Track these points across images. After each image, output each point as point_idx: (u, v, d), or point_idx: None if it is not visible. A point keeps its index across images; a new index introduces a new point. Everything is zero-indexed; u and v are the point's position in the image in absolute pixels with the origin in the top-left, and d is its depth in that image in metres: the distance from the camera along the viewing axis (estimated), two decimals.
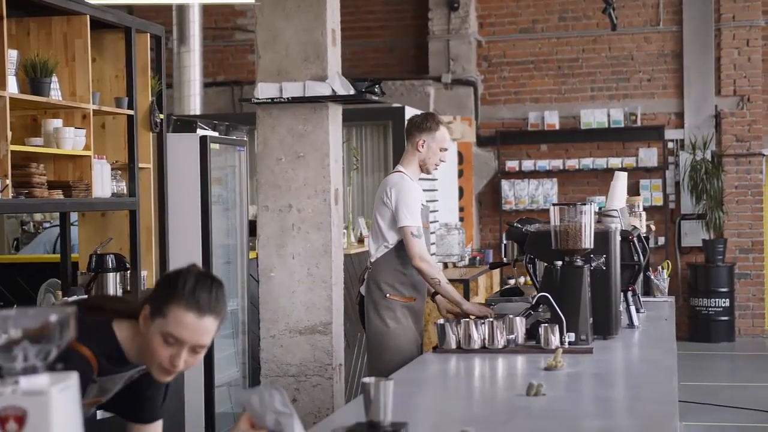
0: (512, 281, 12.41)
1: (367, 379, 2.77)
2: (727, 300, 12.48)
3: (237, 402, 6.72)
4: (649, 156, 12.86)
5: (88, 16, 5.32)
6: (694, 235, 12.79)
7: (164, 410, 3.00)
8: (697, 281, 12.57)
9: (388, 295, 5.27)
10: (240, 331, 7.04)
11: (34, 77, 4.94)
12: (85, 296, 5.10)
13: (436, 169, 5.51)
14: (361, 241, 8.40)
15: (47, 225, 9.16)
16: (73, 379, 1.82)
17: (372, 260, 5.39)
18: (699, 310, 12.50)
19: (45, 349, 1.79)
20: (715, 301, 12.46)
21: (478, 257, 11.41)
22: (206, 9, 12.74)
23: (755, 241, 12.84)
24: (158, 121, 6.03)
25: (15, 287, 6.46)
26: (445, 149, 5.41)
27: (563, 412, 3.17)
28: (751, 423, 8.30)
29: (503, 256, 5.28)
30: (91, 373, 2.65)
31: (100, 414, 4.56)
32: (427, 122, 5.39)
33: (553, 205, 4.55)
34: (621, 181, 5.66)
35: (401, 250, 5.25)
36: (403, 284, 5.30)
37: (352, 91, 6.05)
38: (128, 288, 5.72)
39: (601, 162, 12.87)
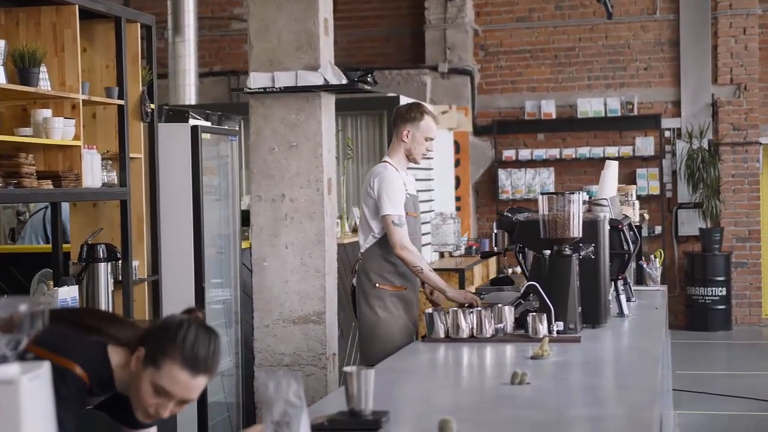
0: (509, 270, 12.43)
1: (348, 369, 2.79)
2: (724, 289, 12.49)
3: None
4: (645, 145, 12.85)
5: (77, 6, 5.30)
6: (690, 224, 12.79)
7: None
8: (693, 270, 12.57)
9: (377, 284, 5.29)
10: (233, 320, 7.05)
11: (22, 67, 4.93)
12: (79, 308, 5.02)
13: (425, 158, 5.51)
14: (355, 230, 8.39)
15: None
16: (44, 368, 1.82)
17: (361, 251, 5.41)
18: (696, 299, 12.51)
19: (15, 338, 1.80)
20: (712, 290, 12.46)
21: (474, 247, 11.41)
22: None
23: (752, 229, 12.83)
24: (149, 111, 6.02)
25: (10, 277, 6.46)
26: (431, 138, 5.41)
27: (546, 400, 3.18)
28: (746, 411, 8.31)
29: (494, 245, 5.28)
30: (84, 394, 2.66)
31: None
32: (411, 112, 5.40)
33: (542, 194, 4.55)
34: (611, 170, 5.66)
35: (388, 239, 5.26)
36: (392, 273, 5.32)
37: (344, 81, 6.04)
38: (119, 278, 5.72)
39: (597, 151, 12.86)
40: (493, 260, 11.65)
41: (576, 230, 4.46)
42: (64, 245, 5.92)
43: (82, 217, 5.89)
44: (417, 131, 5.36)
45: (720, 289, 12.47)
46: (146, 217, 6.08)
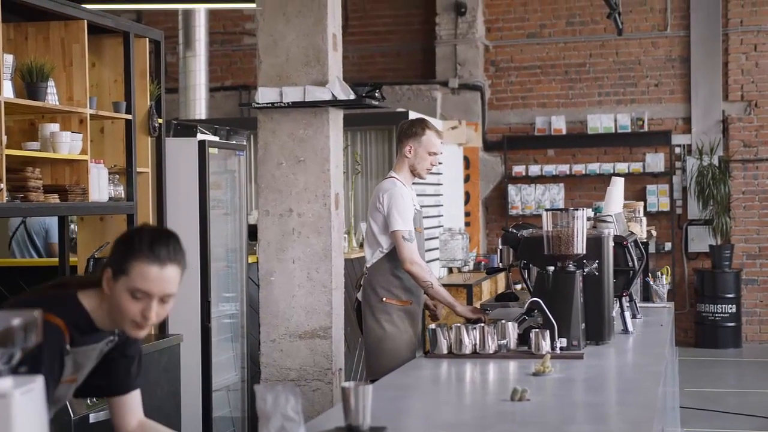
0: (518, 286, 12.41)
1: (346, 384, 2.79)
2: (734, 306, 12.44)
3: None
4: (656, 161, 12.83)
5: (85, 21, 5.34)
6: (701, 240, 12.76)
7: (140, 382, 3.07)
8: (703, 287, 12.53)
9: (384, 299, 5.31)
10: (239, 335, 7.06)
11: (30, 82, 4.96)
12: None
13: (430, 173, 5.53)
14: (362, 245, 8.41)
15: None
16: (37, 382, 1.84)
17: (368, 265, 5.43)
18: (705, 316, 12.47)
19: (8, 352, 1.81)
20: (722, 307, 12.42)
21: (483, 262, 11.41)
22: (215, 14, 12.79)
23: (762, 246, 12.79)
24: (157, 125, 6.05)
25: (17, 290, 6.49)
26: (434, 153, 5.44)
27: (545, 417, 3.18)
28: (755, 430, 8.27)
29: (499, 261, 5.28)
30: (63, 341, 2.72)
31: (93, 417, 4.60)
32: (413, 128, 5.44)
33: (546, 210, 4.55)
34: (617, 186, 5.66)
35: (396, 254, 5.28)
36: (399, 288, 5.33)
37: (352, 96, 6.06)
38: None
39: (608, 167, 12.85)
40: (501, 276, 11.65)
41: (580, 247, 4.46)
42: (71, 259, 5.95)
43: (89, 231, 5.92)
44: (419, 146, 5.40)
45: (730, 306, 12.43)
46: None
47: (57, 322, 2.71)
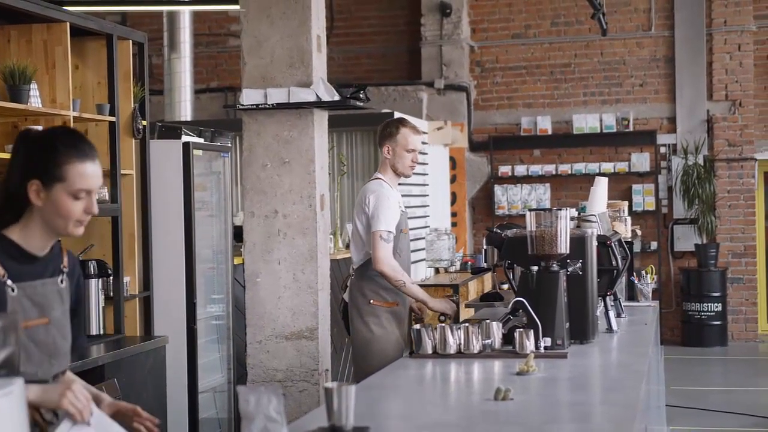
0: (505, 286, 12.42)
1: (328, 384, 2.80)
2: (720, 304, 12.49)
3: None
4: (641, 161, 12.87)
5: (68, 24, 5.34)
6: (686, 239, 12.81)
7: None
8: (689, 286, 12.57)
9: (371, 301, 5.33)
10: (225, 336, 7.05)
11: (12, 84, 4.96)
12: None
13: (412, 169, 5.55)
14: (348, 246, 8.41)
15: None
16: (17, 385, 1.84)
17: (354, 267, 5.44)
18: (692, 315, 12.51)
19: None
20: (708, 306, 12.46)
21: (470, 262, 11.42)
22: (200, 15, 12.77)
23: (747, 245, 12.84)
24: (141, 127, 6.04)
25: None
26: (412, 150, 5.48)
27: (528, 416, 3.19)
28: (741, 428, 8.30)
29: (484, 261, 5.30)
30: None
31: None
32: (387, 128, 5.52)
33: (530, 210, 4.56)
34: (601, 186, 5.68)
35: None
36: (386, 290, 5.35)
37: (336, 97, 6.06)
38: (111, 294, 5.73)
39: (593, 167, 12.88)
40: (488, 276, 11.66)
41: (563, 246, 4.47)
42: None
43: None
44: (396, 145, 5.46)
45: (716, 304, 12.47)
46: (138, 234, 6.10)
47: None
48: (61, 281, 2.88)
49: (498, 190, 13.17)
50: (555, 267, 4.48)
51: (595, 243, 4.77)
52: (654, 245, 12.77)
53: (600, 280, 4.92)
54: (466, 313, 9.15)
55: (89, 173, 2.75)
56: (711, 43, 12.85)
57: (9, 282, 2.72)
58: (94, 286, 5.55)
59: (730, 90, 12.81)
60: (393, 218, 5.29)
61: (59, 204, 2.73)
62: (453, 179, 12.56)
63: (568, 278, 4.53)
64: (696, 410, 8.87)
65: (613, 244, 5.12)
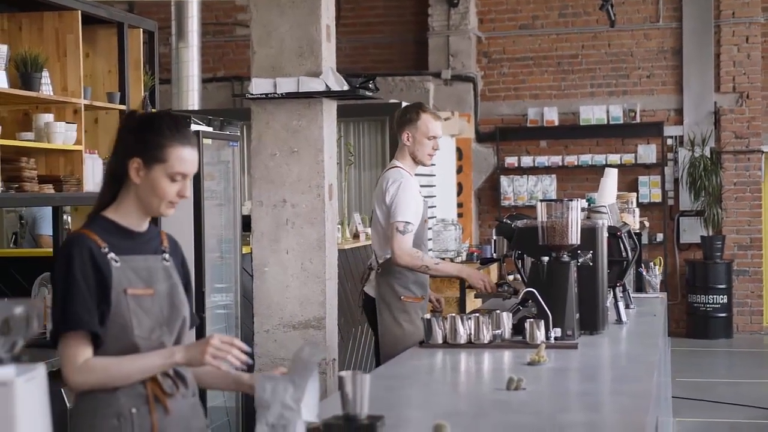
0: (511, 277, 12.43)
1: (343, 373, 2.80)
2: (725, 296, 12.49)
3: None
4: (648, 152, 12.86)
5: (79, 12, 5.34)
6: (692, 231, 12.80)
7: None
8: (695, 278, 12.58)
9: (402, 297, 5.22)
10: (233, 325, 7.06)
11: (24, 72, 4.96)
12: None
13: (431, 158, 5.40)
14: (356, 236, 8.42)
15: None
16: (39, 370, 1.85)
17: (380, 261, 5.28)
18: (697, 307, 12.51)
19: (10, 340, 1.81)
20: (713, 298, 12.47)
21: (476, 253, 11.42)
22: (207, 5, 12.77)
23: (753, 237, 12.84)
24: None
25: (10, 280, 6.48)
26: (433, 137, 5.32)
27: (541, 406, 3.20)
28: (746, 419, 8.31)
29: (493, 251, 5.28)
30: (92, 243, 2.83)
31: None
32: (407, 114, 5.35)
33: (541, 200, 4.56)
34: (611, 177, 5.68)
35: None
36: (415, 283, 5.25)
37: (345, 87, 6.05)
38: None
39: (600, 158, 12.88)
40: (495, 266, 11.67)
41: (574, 237, 4.47)
42: None
43: (83, 222, 5.91)
44: (416, 132, 5.31)
45: (721, 296, 12.47)
46: None
47: (81, 231, 2.88)
48: (165, 259, 2.98)
49: (504, 181, 13.17)
50: (566, 258, 4.49)
51: (605, 234, 4.77)
52: (660, 237, 12.77)
53: (610, 272, 4.92)
54: (474, 304, 9.16)
55: (188, 158, 2.87)
56: (719, 35, 12.83)
57: (111, 254, 2.85)
58: None
59: (738, 82, 12.79)
60: (414, 209, 5.17)
61: (156, 184, 2.85)
62: (459, 170, 12.56)
63: (579, 269, 4.53)
64: (701, 402, 8.88)
65: (623, 235, 5.12)
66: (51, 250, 6.09)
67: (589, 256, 4.57)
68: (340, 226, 8.23)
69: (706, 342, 12.29)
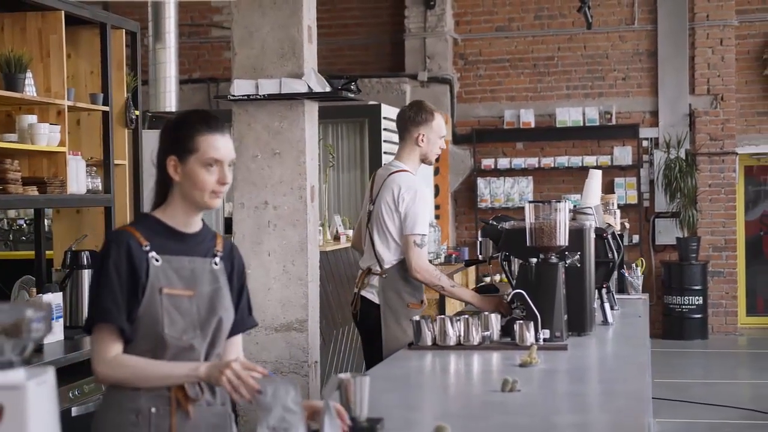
0: (487, 279, 12.45)
1: (343, 375, 2.79)
2: (701, 298, 12.57)
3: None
4: (623, 154, 12.92)
5: (63, 12, 5.29)
6: (668, 233, 12.88)
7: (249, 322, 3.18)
8: (671, 279, 12.65)
9: (409, 304, 5.09)
10: None
11: (8, 72, 4.91)
12: None
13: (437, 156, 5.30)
14: (336, 238, 8.41)
15: (21, 222, 9.11)
16: (49, 374, 1.82)
17: (386, 266, 5.10)
18: (673, 308, 12.59)
19: (21, 343, 1.79)
20: (689, 299, 12.54)
21: (454, 255, 11.44)
22: (182, 5, 12.70)
23: (728, 239, 12.93)
24: (134, 117, 6.01)
25: None
26: (443, 136, 5.22)
27: (538, 407, 3.20)
28: (723, 420, 8.36)
29: (479, 253, 5.27)
30: (134, 240, 2.87)
31: (75, 411, 4.56)
32: (422, 114, 5.15)
33: (529, 202, 4.56)
34: (595, 179, 5.69)
35: None
36: (418, 290, 5.14)
37: (328, 89, 6.05)
38: None
39: (576, 160, 12.93)
40: (472, 268, 11.69)
41: (562, 239, 4.48)
42: (47, 252, 5.89)
43: (66, 224, 5.87)
44: (431, 132, 5.14)
45: (696, 298, 12.55)
46: None
47: (125, 229, 2.92)
48: (215, 263, 2.99)
49: (481, 183, 13.19)
50: (554, 259, 4.49)
51: (593, 235, 4.79)
52: (636, 238, 12.83)
53: (596, 273, 4.93)
54: (456, 307, 9.16)
55: (219, 144, 2.90)
56: (693, 37, 12.92)
57: (153, 253, 2.88)
58: (87, 276, 5.50)
59: (712, 84, 12.88)
60: (426, 220, 5.04)
61: (194, 175, 2.89)
62: (436, 172, 12.57)
63: (567, 270, 4.54)
64: (678, 402, 8.92)
65: (608, 236, 5.14)
66: (32, 253, 6.03)
67: (577, 257, 4.57)
68: (321, 228, 8.20)
69: (681, 343, 12.36)
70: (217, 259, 3.01)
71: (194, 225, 3.00)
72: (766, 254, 13.45)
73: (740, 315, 13.16)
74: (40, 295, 5.19)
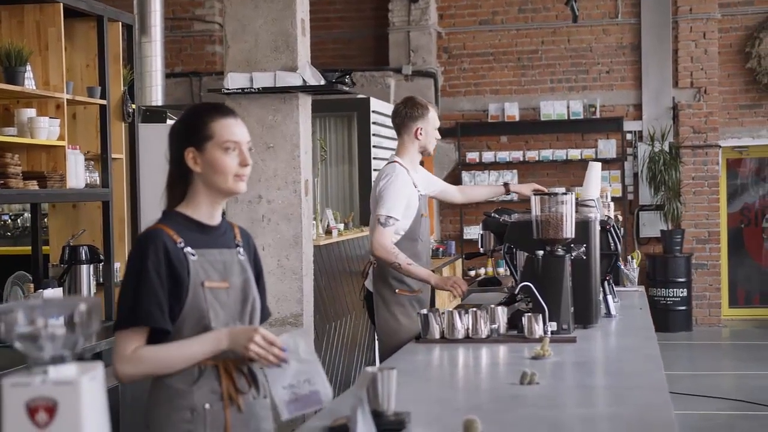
0: (473, 272, 12.47)
1: (370, 369, 2.77)
2: (685, 290, 12.62)
3: None
4: (608, 147, 12.96)
5: (61, 5, 5.24)
6: (652, 225, 12.93)
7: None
8: (655, 271, 12.70)
9: (397, 290, 5.21)
10: None
11: (8, 66, 4.86)
12: None
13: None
14: (329, 232, 8.38)
15: (6, 217, 9.02)
16: (99, 369, 1.80)
17: (377, 254, 5.19)
18: (657, 300, 12.63)
19: (73, 338, 1.77)
20: (673, 291, 12.59)
21: (440, 249, 11.45)
22: None
23: (712, 231, 12.99)
24: (130, 111, 5.96)
25: None
26: (438, 126, 5.46)
27: (560, 399, 3.19)
28: (709, 411, 8.40)
29: (480, 246, 5.26)
30: (168, 238, 2.84)
31: None
32: (417, 109, 5.35)
33: (534, 194, 4.55)
34: (595, 171, 5.70)
35: (405, 243, 5.18)
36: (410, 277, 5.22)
37: (323, 82, 6.03)
38: (101, 280, 5.65)
39: (560, 153, 12.95)
40: (458, 262, 11.70)
41: (569, 231, 4.47)
42: (44, 247, 5.83)
43: (62, 219, 5.81)
44: (427, 125, 5.38)
45: (681, 290, 12.61)
46: (127, 218, 6.02)
47: (156, 226, 2.89)
48: (239, 253, 2.99)
49: (465, 176, 13.19)
50: (560, 251, 4.49)
51: (598, 227, 4.79)
52: (621, 231, 12.85)
53: (600, 265, 4.93)
54: (444, 297, 9.16)
55: (233, 126, 2.90)
56: (677, 30, 12.96)
57: (188, 248, 2.86)
58: (86, 271, 5.46)
59: (695, 77, 12.93)
60: (402, 203, 5.16)
61: (214, 161, 2.87)
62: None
63: (572, 263, 4.53)
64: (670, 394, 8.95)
65: (611, 228, 5.14)
66: (20, 249, 5.98)
67: (583, 249, 4.57)
68: (314, 222, 8.18)
69: (666, 335, 12.39)
70: (241, 249, 3.00)
71: (217, 217, 2.99)
72: (747, 246, 13.53)
73: (724, 307, 13.24)
74: (41, 290, 5.15)
